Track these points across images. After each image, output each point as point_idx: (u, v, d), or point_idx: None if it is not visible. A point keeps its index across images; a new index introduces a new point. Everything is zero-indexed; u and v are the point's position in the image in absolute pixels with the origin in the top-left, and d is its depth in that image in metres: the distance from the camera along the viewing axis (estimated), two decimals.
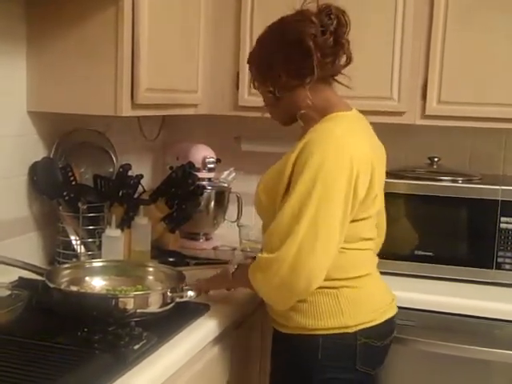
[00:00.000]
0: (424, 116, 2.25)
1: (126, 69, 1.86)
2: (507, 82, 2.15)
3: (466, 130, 2.34)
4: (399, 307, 1.76)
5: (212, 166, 2.50)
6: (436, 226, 2.20)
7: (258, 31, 1.72)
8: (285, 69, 1.61)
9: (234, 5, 2.34)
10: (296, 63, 1.60)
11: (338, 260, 1.56)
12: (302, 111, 1.64)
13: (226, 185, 2.54)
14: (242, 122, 2.62)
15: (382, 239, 1.87)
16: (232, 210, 2.56)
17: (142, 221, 2.06)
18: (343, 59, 1.64)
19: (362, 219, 1.60)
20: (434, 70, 2.22)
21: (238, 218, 2.53)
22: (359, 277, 1.63)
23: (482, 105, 2.17)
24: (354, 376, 1.61)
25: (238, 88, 2.34)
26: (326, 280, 1.55)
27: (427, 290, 2.09)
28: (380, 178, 1.64)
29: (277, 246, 1.51)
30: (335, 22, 1.59)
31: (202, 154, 2.49)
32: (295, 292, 1.53)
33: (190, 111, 2.32)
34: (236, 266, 1.72)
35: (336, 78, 1.69)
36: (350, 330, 1.58)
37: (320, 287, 1.56)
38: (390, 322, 1.69)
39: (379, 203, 1.67)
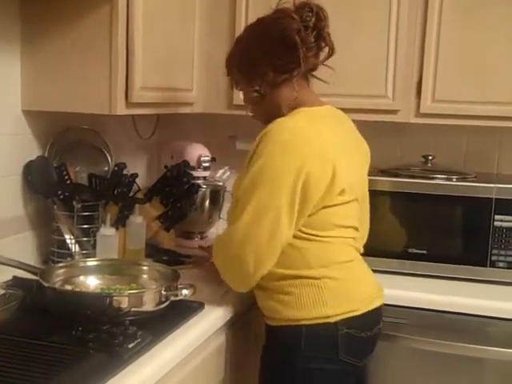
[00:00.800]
0: (418, 114, 2.26)
1: (121, 67, 1.85)
2: (502, 79, 2.16)
3: (460, 128, 2.34)
4: (392, 305, 1.77)
5: (207, 164, 2.49)
6: (430, 223, 2.20)
7: None
8: (271, 65, 1.65)
9: (229, 4, 2.34)
10: (282, 58, 1.65)
11: (316, 248, 1.63)
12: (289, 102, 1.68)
13: (221, 183, 2.54)
14: (237, 121, 2.62)
15: (363, 240, 1.86)
16: (227, 209, 2.55)
17: (136, 219, 2.06)
18: (324, 52, 1.70)
19: (332, 205, 1.62)
20: (429, 67, 2.22)
21: None
22: (340, 263, 1.66)
23: (477, 103, 2.18)
24: (339, 366, 1.63)
25: (232, 87, 2.34)
26: (307, 269, 1.61)
27: (421, 288, 2.10)
28: (350, 174, 1.65)
29: (232, 222, 1.63)
30: (314, 18, 1.65)
31: (197, 152, 2.49)
32: (245, 269, 1.59)
33: (185, 110, 2.32)
34: None
35: (317, 71, 1.73)
36: (330, 320, 1.61)
37: (302, 277, 1.61)
38: (375, 313, 1.70)
39: (353, 194, 1.68)
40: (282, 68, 1.65)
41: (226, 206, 2.54)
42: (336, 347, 1.62)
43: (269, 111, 1.71)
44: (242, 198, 1.60)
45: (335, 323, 1.61)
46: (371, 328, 1.69)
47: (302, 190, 1.56)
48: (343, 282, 1.65)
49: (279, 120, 1.63)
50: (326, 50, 1.70)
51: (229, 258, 1.65)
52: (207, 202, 2.50)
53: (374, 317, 1.71)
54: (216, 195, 2.53)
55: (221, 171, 2.55)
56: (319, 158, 1.57)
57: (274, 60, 1.65)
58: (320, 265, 1.63)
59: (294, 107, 1.67)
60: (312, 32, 1.64)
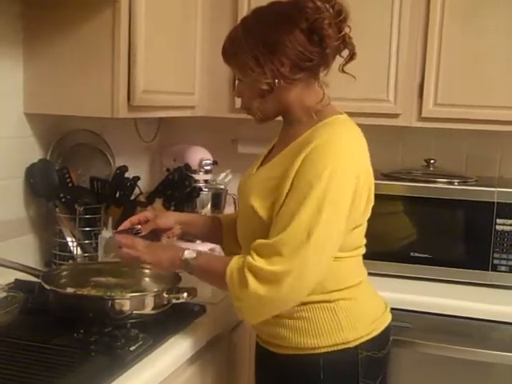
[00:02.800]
0: (420, 118, 2.26)
1: (123, 70, 1.86)
2: (503, 84, 2.16)
3: (462, 132, 2.34)
4: (395, 309, 1.75)
5: (209, 167, 2.50)
6: (432, 227, 2.20)
7: None
8: (294, 56, 1.44)
9: (230, 7, 2.34)
10: (310, 51, 1.45)
11: (333, 270, 1.47)
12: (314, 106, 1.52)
13: (222, 187, 2.54)
14: (239, 125, 2.63)
15: None
16: (228, 212, 2.56)
17: None
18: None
19: (358, 226, 1.53)
20: (431, 71, 2.22)
21: None
22: (353, 286, 1.54)
23: (479, 107, 2.18)
24: None
25: (234, 87, 2.34)
26: (321, 293, 1.48)
27: (423, 292, 2.10)
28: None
29: (287, 257, 1.37)
30: (336, 15, 1.46)
31: (199, 155, 2.49)
32: (288, 305, 1.44)
33: (187, 113, 2.32)
34: (194, 254, 1.51)
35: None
36: (350, 345, 1.49)
37: (315, 302, 1.49)
38: (387, 330, 1.62)
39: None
40: (308, 63, 1.45)
41: (227, 210, 2.56)
42: (356, 372, 1.50)
43: (273, 108, 1.53)
44: (305, 223, 1.38)
45: (355, 348, 1.49)
46: (386, 346, 1.60)
47: (355, 207, 1.45)
48: (356, 303, 1.53)
49: (328, 133, 1.44)
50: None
51: (285, 289, 1.38)
52: (209, 206, 2.50)
53: (387, 334, 1.61)
54: (217, 198, 2.53)
55: (223, 174, 2.56)
56: (366, 172, 1.48)
57: (299, 52, 1.44)
58: (335, 287, 1.50)
59: (320, 112, 1.50)
60: (336, 29, 1.46)
